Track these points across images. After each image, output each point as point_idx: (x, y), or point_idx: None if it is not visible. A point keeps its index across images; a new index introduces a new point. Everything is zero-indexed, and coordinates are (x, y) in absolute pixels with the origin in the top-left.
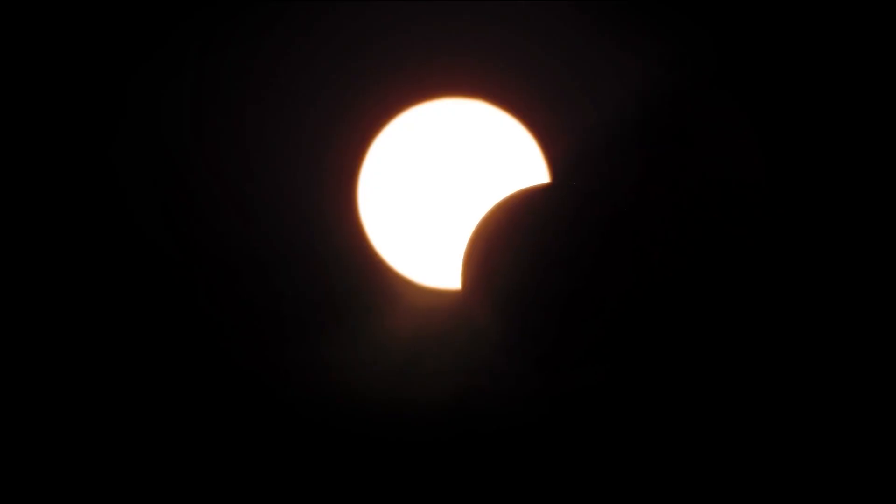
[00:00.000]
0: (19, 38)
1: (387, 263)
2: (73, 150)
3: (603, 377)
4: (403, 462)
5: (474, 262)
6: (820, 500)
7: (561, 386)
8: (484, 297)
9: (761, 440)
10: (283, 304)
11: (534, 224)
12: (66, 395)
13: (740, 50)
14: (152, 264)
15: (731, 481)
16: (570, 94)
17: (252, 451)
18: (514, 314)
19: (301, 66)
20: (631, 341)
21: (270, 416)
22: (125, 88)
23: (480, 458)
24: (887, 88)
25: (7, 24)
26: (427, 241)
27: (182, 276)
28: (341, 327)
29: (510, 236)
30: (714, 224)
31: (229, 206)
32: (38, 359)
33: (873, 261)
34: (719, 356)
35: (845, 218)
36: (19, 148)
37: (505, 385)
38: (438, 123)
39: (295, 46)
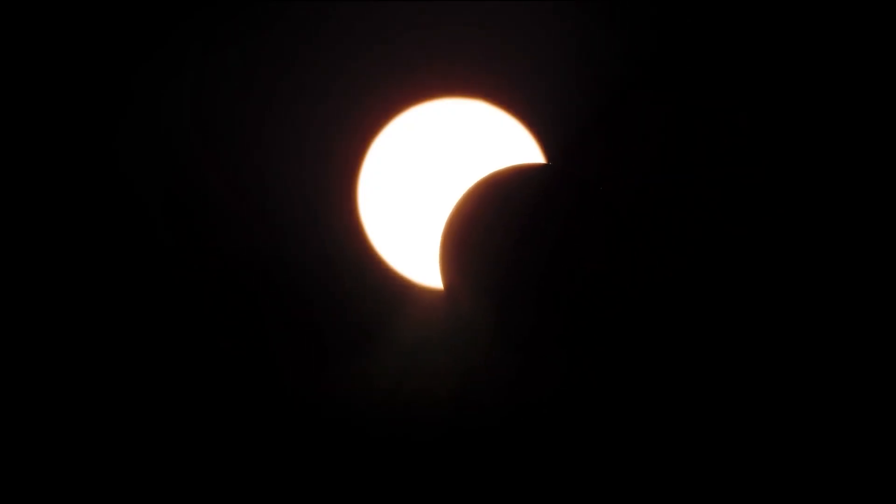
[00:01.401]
0: (24, 39)
1: (387, 263)
2: (78, 147)
3: (584, 358)
4: (404, 461)
5: (451, 245)
6: (816, 499)
7: (546, 368)
8: (463, 279)
9: (753, 437)
10: (281, 302)
11: (508, 203)
12: (54, 395)
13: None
14: (152, 260)
15: (721, 476)
16: (568, 91)
17: (248, 445)
18: (493, 294)
19: (301, 68)
20: (609, 322)
21: (268, 413)
22: (128, 87)
23: (480, 455)
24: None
25: (13, 26)
26: (426, 241)
27: (181, 273)
28: (339, 326)
29: (485, 217)
30: (697, 209)
31: (229, 206)
32: (36, 357)
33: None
34: (700, 341)
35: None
36: (26, 144)
37: (500, 379)
38: (438, 123)
39: (295, 48)
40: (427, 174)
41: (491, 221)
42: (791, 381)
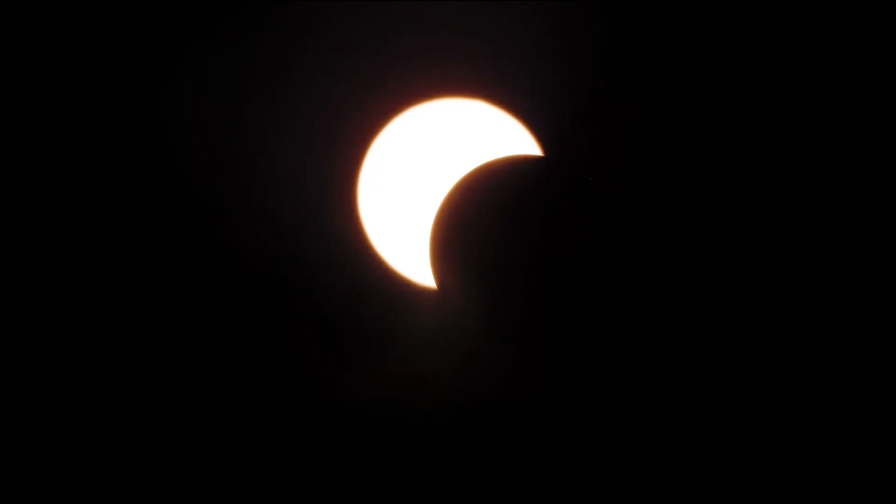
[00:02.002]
0: (25, 39)
1: (387, 263)
2: (78, 146)
3: (578, 352)
4: (407, 459)
5: (441, 236)
6: (813, 499)
7: (540, 361)
8: (452, 270)
9: (752, 437)
10: (281, 302)
11: (495, 194)
12: (55, 395)
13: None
14: (153, 260)
15: (714, 476)
16: (568, 90)
17: (249, 444)
18: (481, 284)
19: (301, 67)
20: (599, 312)
21: (268, 413)
22: (128, 87)
23: (484, 451)
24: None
25: (13, 25)
26: (426, 241)
27: (181, 272)
28: (339, 325)
29: (472, 207)
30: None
31: (229, 206)
32: (36, 357)
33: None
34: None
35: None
36: (27, 143)
37: (495, 373)
38: (438, 123)
39: (295, 48)
40: (427, 174)
41: (478, 211)
42: (791, 380)
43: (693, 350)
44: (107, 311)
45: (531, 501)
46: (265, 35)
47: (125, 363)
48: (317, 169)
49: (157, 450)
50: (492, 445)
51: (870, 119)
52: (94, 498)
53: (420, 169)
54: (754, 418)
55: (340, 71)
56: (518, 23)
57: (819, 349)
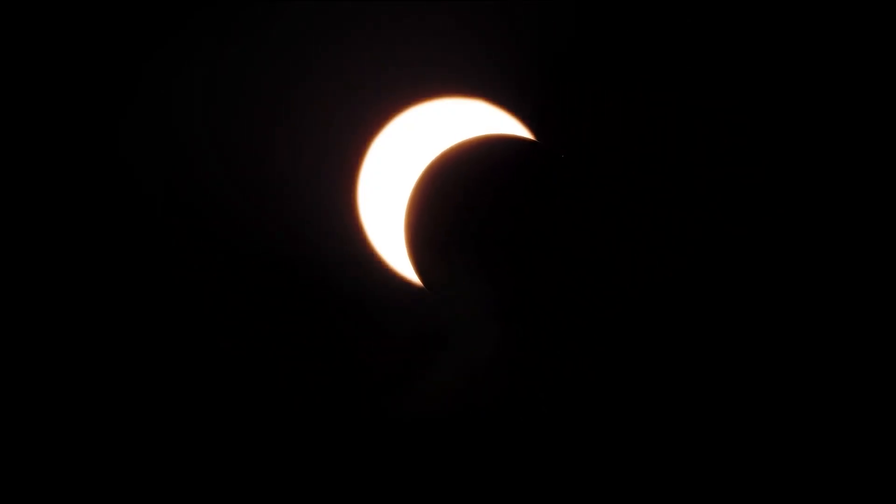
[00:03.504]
0: (29, 37)
1: (387, 263)
2: (81, 144)
3: (565, 325)
4: (406, 456)
5: (416, 214)
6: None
7: (523, 337)
8: (423, 258)
9: (750, 437)
10: (281, 301)
11: (470, 171)
12: (61, 394)
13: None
14: (154, 258)
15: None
16: (568, 90)
17: (248, 445)
18: (458, 259)
19: (302, 67)
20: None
21: (267, 414)
22: (130, 85)
23: (487, 450)
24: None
25: (18, 23)
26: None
27: (181, 271)
28: (338, 325)
29: (447, 185)
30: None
31: (230, 205)
32: (37, 355)
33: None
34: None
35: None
36: (29, 141)
37: (501, 373)
38: (438, 123)
39: (296, 48)
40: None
41: (440, 196)
42: (789, 379)
43: (684, 344)
44: (107, 309)
45: (529, 495)
46: (266, 35)
47: (125, 362)
48: (317, 169)
49: (157, 449)
50: (490, 439)
51: (869, 119)
52: (94, 498)
53: (420, 169)
54: (751, 415)
55: (341, 71)
56: (517, 23)
57: (818, 349)
